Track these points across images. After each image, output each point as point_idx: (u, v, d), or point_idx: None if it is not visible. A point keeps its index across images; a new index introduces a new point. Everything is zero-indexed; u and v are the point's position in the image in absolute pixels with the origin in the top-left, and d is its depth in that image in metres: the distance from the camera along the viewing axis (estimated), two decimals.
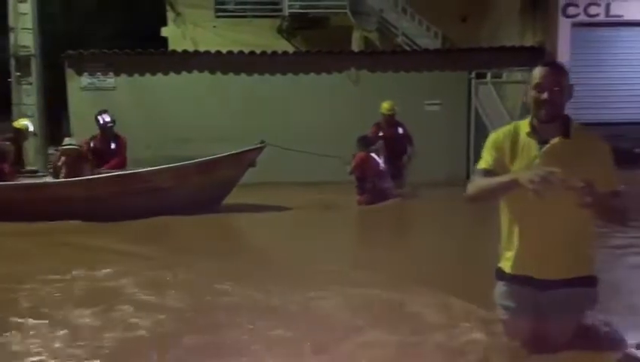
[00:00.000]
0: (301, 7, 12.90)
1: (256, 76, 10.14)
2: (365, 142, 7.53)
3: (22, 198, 6.39)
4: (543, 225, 2.38)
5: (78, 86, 10.10)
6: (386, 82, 10.08)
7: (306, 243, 5.44)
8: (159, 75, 10.12)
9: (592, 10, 10.27)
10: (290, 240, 5.80)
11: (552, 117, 2.41)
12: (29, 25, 10.45)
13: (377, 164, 7.43)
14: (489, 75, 10.40)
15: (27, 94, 10.50)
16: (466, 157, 10.19)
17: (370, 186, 7.32)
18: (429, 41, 12.56)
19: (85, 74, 10.07)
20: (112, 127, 7.65)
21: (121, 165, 7.43)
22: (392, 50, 11.56)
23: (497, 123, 10.06)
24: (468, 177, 10.05)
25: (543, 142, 2.42)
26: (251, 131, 9.50)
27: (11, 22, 10.45)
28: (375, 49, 12.23)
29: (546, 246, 2.40)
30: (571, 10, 10.26)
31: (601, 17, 10.28)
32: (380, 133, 7.94)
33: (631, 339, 2.66)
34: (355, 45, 12.52)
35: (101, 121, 7.58)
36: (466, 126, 10.12)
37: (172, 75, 10.12)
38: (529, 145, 2.44)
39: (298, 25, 13.14)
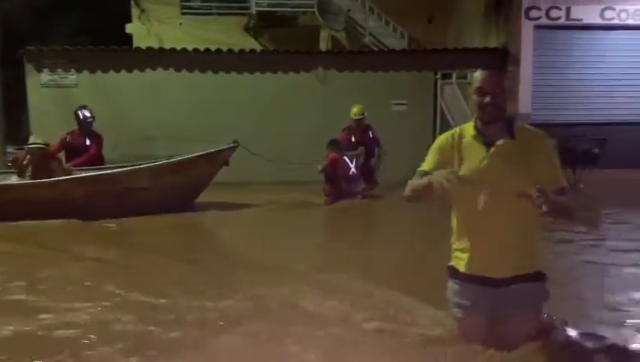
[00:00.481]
0: (269, 6, 12.83)
1: (222, 74, 10.05)
2: (336, 145, 7.56)
3: None
4: (491, 225, 2.44)
5: (38, 83, 9.81)
6: (353, 82, 10.14)
7: (270, 242, 5.48)
8: (123, 73, 9.93)
9: (554, 13, 10.54)
10: (254, 239, 5.78)
11: (494, 119, 2.48)
12: None
13: (348, 167, 7.49)
14: (454, 76, 10.56)
15: None
16: None
17: (337, 188, 7.38)
18: (395, 42, 12.67)
19: (45, 70, 9.81)
20: (91, 122, 7.57)
21: (92, 161, 7.33)
22: (359, 49, 11.62)
23: (462, 122, 10.09)
24: None
25: (488, 143, 2.49)
26: (218, 130, 9.44)
27: None
28: (342, 49, 12.28)
29: (495, 246, 2.46)
30: (534, 13, 10.51)
31: (562, 21, 10.56)
32: (352, 139, 7.96)
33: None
34: (323, 45, 12.53)
35: (81, 117, 7.51)
36: (432, 125, 10.25)
37: (136, 72, 9.94)
38: (475, 148, 2.51)
39: (265, 23, 13.07)
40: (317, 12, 12.55)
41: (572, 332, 2.66)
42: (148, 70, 9.94)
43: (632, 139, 10.72)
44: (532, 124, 2.79)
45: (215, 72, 10.04)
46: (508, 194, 2.33)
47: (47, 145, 6.79)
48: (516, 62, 10.26)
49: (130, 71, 9.93)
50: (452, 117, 10.29)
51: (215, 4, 13.29)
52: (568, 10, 10.52)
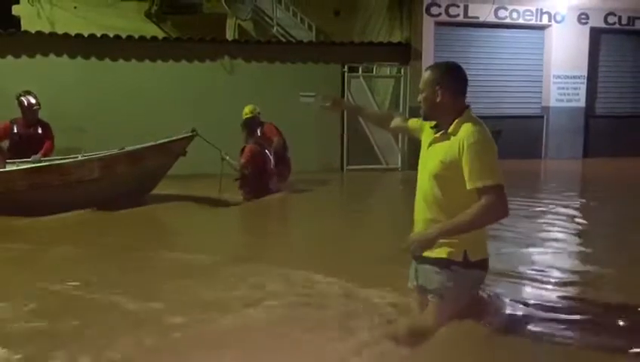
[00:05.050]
0: None
1: (121, 62, 9.51)
2: (250, 127, 7.12)
3: None
4: (415, 204, 2.84)
5: None
6: (261, 72, 10.01)
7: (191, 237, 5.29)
8: (9, 58, 9.11)
9: (453, 10, 11.02)
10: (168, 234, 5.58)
11: (427, 115, 2.71)
12: None
13: (269, 160, 7.03)
14: (360, 69, 10.73)
15: None
16: (340, 148, 10.46)
17: (255, 182, 6.85)
18: (303, 33, 12.68)
19: None
20: (37, 110, 6.87)
21: (49, 154, 6.81)
22: (267, 40, 11.49)
23: (364, 120, 10.45)
24: (342, 167, 10.42)
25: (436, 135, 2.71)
26: (115, 120, 8.99)
27: None
28: (250, 38, 12.09)
29: (416, 223, 2.78)
30: (434, 10, 10.93)
31: (460, 18, 11.08)
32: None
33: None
34: (229, 34, 12.27)
35: (25, 103, 6.78)
36: (340, 118, 10.37)
37: (25, 58, 9.15)
38: (427, 134, 2.77)
39: (168, 9, 12.58)
40: (223, 0, 12.25)
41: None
42: (38, 56, 9.19)
43: (525, 130, 11.54)
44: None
45: (114, 59, 9.48)
46: (424, 178, 2.69)
47: None
48: (418, 56, 10.61)
49: (17, 56, 9.13)
50: None
51: None
52: (466, 8, 11.06)
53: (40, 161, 6.56)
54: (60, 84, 9.05)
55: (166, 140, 6.50)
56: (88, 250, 4.58)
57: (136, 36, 9.72)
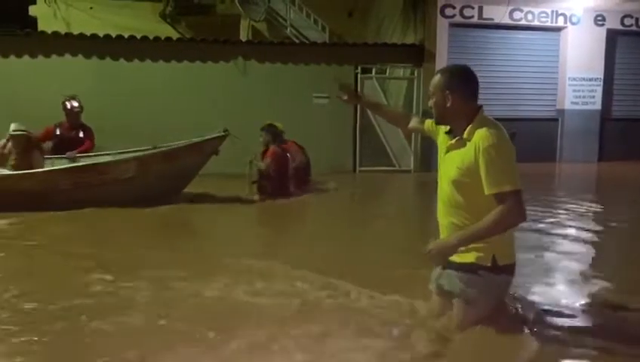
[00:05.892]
0: None
1: (136, 62, 9.58)
2: (274, 131, 7.05)
3: None
4: (439, 209, 2.82)
5: None
6: (274, 73, 10.03)
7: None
8: (26, 58, 9.22)
9: (467, 12, 10.96)
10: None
11: (439, 120, 2.70)
12: None
13: (287, 166, 7.05)
14: (374, 70, 10.71)
15: None
16: (353, 149, 10.45)
17: (274, 183, 6.85)
18: (316, 34, 12.69)
19: None
20: (79, 112, 7.19)
21: (90, 150, 7.12)
22: (280, 41, 11.51)
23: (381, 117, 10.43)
24: (354, 168, 10.40)
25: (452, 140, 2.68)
26: (130, 120, 9.04)
27: None
28: (263, 39, 12.11)
29: (441, 229, 2.78)
30: (448, 11, 10.87)
31: (475, 19, 11.01)
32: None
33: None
34: (243, 35, 12.31)
35: (68, 106, 7.12)
36: (353, 119, 10.35)
37: (41, 58, 9.26)
38: (443, 140, 2.74)
39: (182, 10, 12.65)
40: (237, 1, 12.30)
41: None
42: (54, 56, 9.29)
43: (539, 133, 11.43)
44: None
45: (128, 59, 9.55)
46: (444, 185, 2.67)
47: (29, 132, 6.57)
48: (432, 58, 10.56)
49: (33, 56, 9.24)
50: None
51: None
52: (480, 9, 10.98)
53: (75, 158, 6.83)
54: (75, 83, 9.11)
55: (199, 139, 6.62)
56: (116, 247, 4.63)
57: (151, 37, 9.79)
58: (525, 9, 11.13)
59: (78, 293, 3.38)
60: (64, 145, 7.10)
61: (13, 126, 6.56)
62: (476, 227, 2.45)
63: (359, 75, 10.38)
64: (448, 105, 2.59)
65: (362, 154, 10.48)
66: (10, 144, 6.52)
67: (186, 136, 7.02)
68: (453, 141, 2.62)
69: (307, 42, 11.85)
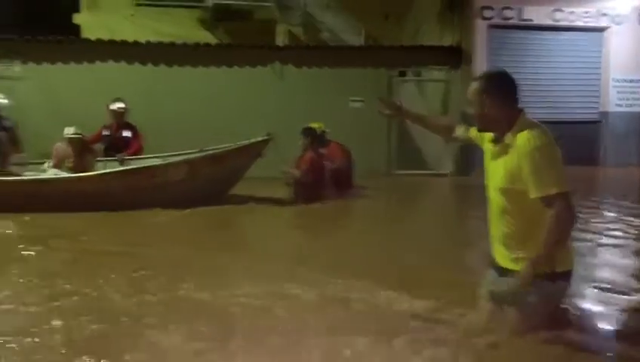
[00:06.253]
0: None
1: (176, 68, 9.80)
2: (314, 134, 7.06)
3: (31, 192, 6.15)
4: (490, 215, 2.76)
5: None
6: (311, 77, 10.09)
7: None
8: (72, 64, 9.54)
9: (507, 13, 10.77)
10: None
11: (480, 127, 2.67)
12: None
13: (324, 172, 7.02)
14: (410, 73, 10.64)
15: None
16: (387, 152, 10.40)
17: (309, 190, 6.84)
18: (352, 38, 12.67)
19: None
20: (124, 113, 7.51)
21: (136, 154, 7.37)
22: (317, 45, 11.56)
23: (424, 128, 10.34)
24: (389, 172, 10.34)
25: (495, 142, 2.63)
26: (170, 124, 9.23)
27: None
28: (300, 44, 12.19)
29: (493, 235, 2.75)
30: (487, 13, 10.71)
31: (514, 21, 10.81)
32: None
33: None
34: (280, 39, 12.41)
35: (114, 107, 7.46)
36: (388, 122, 10.30)
37: (85, 64, 9.57)
38: (489, 148, 2.68)
39: (221, 16, 12.84)
40: (273, 6, 12.41)
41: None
42: (97, 62, 9.59)
43: (581, 136, 11.11)
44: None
45: (169, 65, 9.78)
46: (494, 193, 2.61)
47: (83, 135, 6.92)
48: (470, 60, 10.43)
49: (79, 63, 9.56)
50: None
51: None
52: (520, 10, 10.78)
53: (124, 160, 7.10)
54: (118, 89, 9.35)
55: (245, 143, 6.76)
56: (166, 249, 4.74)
57: (191, 43, 9.99)
58: (567, 9, 10.87)
59: (120, 292, 3.47)
60: (113, 145, 7.38)
61: (68, 130, 6.85)
62: (542, 245, 2.40)
63: (395, 78, 10.32)
64: (487, 110, 2.55)
65: (397, 157, 10.42)
66: (68, 147, 6.84)
67: (224, 140, 7.14)
68: (497, 147, 2.58)
69: (343, 46, 11.87)
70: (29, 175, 6.67)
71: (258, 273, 3.87)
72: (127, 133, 7.53)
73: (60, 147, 6.96)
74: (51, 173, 6.69)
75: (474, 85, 2.61)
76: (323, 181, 7.06)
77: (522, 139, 2.44)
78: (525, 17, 10.82)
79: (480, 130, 2.70)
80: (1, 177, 6.27)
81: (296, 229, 6.27)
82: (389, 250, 4.85)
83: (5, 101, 7.26)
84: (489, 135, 2.68)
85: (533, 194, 2.39)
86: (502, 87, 2.58)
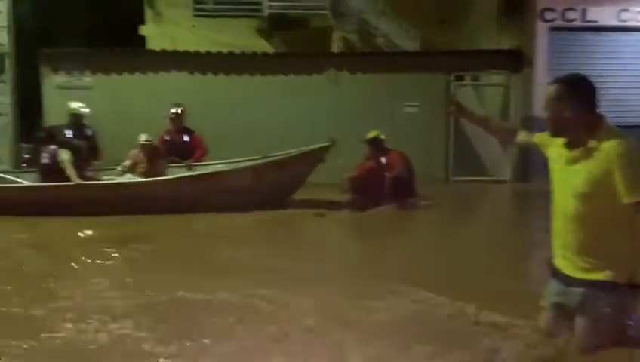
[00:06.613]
0: (281, 8, 12.85)
1: (235, 77, 10.07)
2: (380, 145, 7.10)
3: (110, 196, 6.53)
4: (556, 223, 2.66)
5: (54, 84, 9.92)
6: (365, 84, 10.11)
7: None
8: (137, 75, 10.00)
9: (569, 15, 10.42)
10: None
11: (556, 132, 2.58)
12: (4, 22, 10.22)
13: (382, 182, 6.93)
14: (468, 78, 10.48)
15: (1, 92, 10.26)
16: (445, 159, 10.26)
17: (367, 199, 6.88)
18: (408, 43, 12.61)
19: (61, 72, 9.91)
20: (181, 116, 7.74)
21: (204, 156, 7.67)
22: (371, 51, 11.58)
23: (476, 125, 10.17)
24: (446, 178, 10.20)
25: (569, 148, 2.56)
26: (229, 131, 9.48)
27: None
28: (355, 50, 12.25)
29: (559, 243, 2.64)
30: (548, 15, 10.40)
31: (578, 22, 10.44)
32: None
33: None
34: (335, 46, 12.51)
35: (172, 112, 7.71)
36: (445, 128, 10.19)
37: (150, 74, 10.00)
38: (562, 153, 2.59)
39: (277, 25, 13.08)
40: (329, 14, 12.54)
41: None
42: (161, 72, 10.00)
43: None
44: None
45: (227, 74, 10.07)
46: (568, 199, 2.50)
47: (155, 142, 7.27)
48: (530, 64, 10.16)
49: (143, 73, 10.00)
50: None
51: (227, 7, 13.30)
52: (584, 11, 10.40)
53: (191, 166, 7.38)
54: (180, 97, 9.70)
55: (307, 149, 6.92)
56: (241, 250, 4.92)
57: (248, 52, 10.24)
58: (634, 9, 10.39)
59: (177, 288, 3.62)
60: (173, 150, 7.62)
61: (142, 136, 7.21)
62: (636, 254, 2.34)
63: (452, 83, 10.20)
64: (567, 115, 2.48)
65: (455, 163, 10.26)
66: (141, 153, 7.20)
67: (280, 146, 7.29)
68: (577, 152, 2.49)
69: (398, 51, 11.83)
70: (106, 179, 7.08)
71: (332, 281, 3.90)
72: (186, 138, 7.76)
73: (134, 153, 7.33)
74: (126, 177, 7.07)
75: (552, 90, 2.54)
76: (382, 189, 6.97)
77: (612, 145, 2.38)
78: (589, 18, 10.42)
79: (553, 135, 2.61)
80: (82, 182, 6.63)
81: (361, 238, 6.25)
82: (453, 260, 4.74)
83: (87, 110, 7.69)
84: (559, 140, 2.60)
85: (628, 198, 2.32)
86: (582, 92, 2.51)
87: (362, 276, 4.03)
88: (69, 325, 3.03)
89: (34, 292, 3.65)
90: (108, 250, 5.03)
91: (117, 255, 4.91)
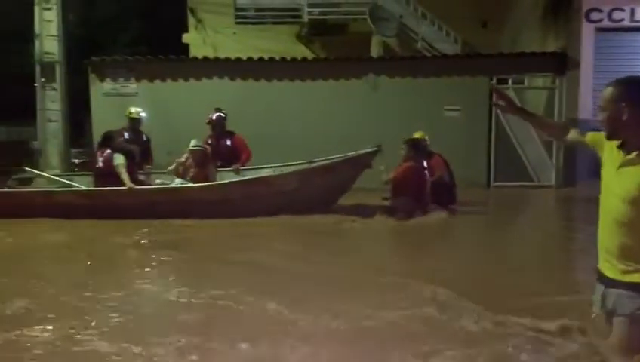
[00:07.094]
0: (320, 13, 12.93)
1: (275, 82, 10.19)
2: (417, 147, 6.93)
3: (162, 200, 6.70)
4: (601, 226, 2.56)
5: (101, 91, 10.27)
6: (405, 88, 10.07)
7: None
8: (180, 81, 10.24)
9: (617, 15, 10.10)
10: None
11: (612, 134, 2.50)
12: (54, 32, 10.64)
13: (424, 181, 6.76)
14: (510, 81, 10.30)
15: (52, 100, 10.68)
16: (487, 163, 10.10)
17: (408, 202, 6.67)
18: (448, 47, 12.48)
19: (108, 80, 10.26)
20: (222, 120, 7.84)
21: (249, 159, 7.76)
22: (411, 55, 11.52)
23: (518, 129, 9.98)
24: (488, 183, 10.03)
25: (625, 153, 2.47)
26: (271, 136, 9.58)
27: (37, 29, 10.65)
28: (394, 55, 12.20)
29: (603, 246, 2.56)
30: (595, 15, 10.11)
31: (626, 22, 10.11)
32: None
33: None
34: (374, 51, 12.48)
35: (213, 117, 7.83)
36: (487, 132, 10.02)
37: (192, 81, 10.22)
38: (615, 156, 2.52)
39: (317, 31, 13.16)
40: (368, 19, 12.53)
41: None
42: (204, 79, 10.22)
43: None
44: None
45: (268, 80, 10.20)
46: (617, 202, 2.42)
47: (205, 147, 7.37)
48: (576, 66, 9.89)
49: (186, 80, 10.24)
50: (508, 123, 10.03)
51: (268, 14, 13.49)
52: (633, 11, 10.06)
53: (239, 170, 7.49)
54: (222, 103, 9.88)
55: (354, 154, 6.92)
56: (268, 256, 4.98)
57: (288, 58, 10.35)
58: None
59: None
60: (217, 154, 7.70)
61: (193, 142, 7.32)
62: None
63: (495, 87, 10.02)
64: (625, 118, 2.41)
65: (497, 167, 10.08)
66: (191, 159, 7.30)
67: (320, 150, 7.33)
68: (633, 156, 2.43)
69: (438, 55, 11.72)
70: (158, 183, 7.27)
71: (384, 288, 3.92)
72: (228, 142, 7.84)
73: (182, 158, 7.43)
74: (177, 182, 7.19)
75: (610, 91, 2.47)
76: (423, 192, 6.80)
77: None
78: (638, 19, 10.08)
79: (610, 138, 2.52)
80: (135, 186, 6.81)
81: (400, 245, 6.21)
82: (490, 268, 4.69)
83: (144, 115, 7.91)
84: (614, 142, 2.56)
85: None
86: (639, 95, 2.44)
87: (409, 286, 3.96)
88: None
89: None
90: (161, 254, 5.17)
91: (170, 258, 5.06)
